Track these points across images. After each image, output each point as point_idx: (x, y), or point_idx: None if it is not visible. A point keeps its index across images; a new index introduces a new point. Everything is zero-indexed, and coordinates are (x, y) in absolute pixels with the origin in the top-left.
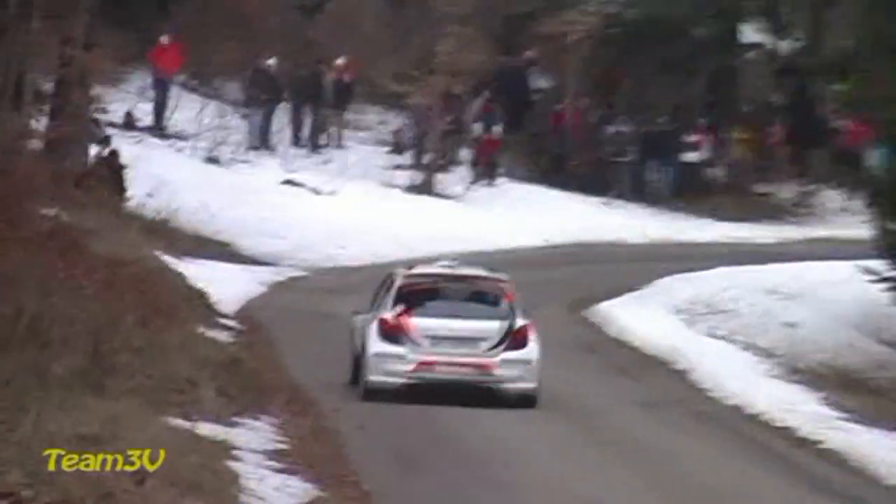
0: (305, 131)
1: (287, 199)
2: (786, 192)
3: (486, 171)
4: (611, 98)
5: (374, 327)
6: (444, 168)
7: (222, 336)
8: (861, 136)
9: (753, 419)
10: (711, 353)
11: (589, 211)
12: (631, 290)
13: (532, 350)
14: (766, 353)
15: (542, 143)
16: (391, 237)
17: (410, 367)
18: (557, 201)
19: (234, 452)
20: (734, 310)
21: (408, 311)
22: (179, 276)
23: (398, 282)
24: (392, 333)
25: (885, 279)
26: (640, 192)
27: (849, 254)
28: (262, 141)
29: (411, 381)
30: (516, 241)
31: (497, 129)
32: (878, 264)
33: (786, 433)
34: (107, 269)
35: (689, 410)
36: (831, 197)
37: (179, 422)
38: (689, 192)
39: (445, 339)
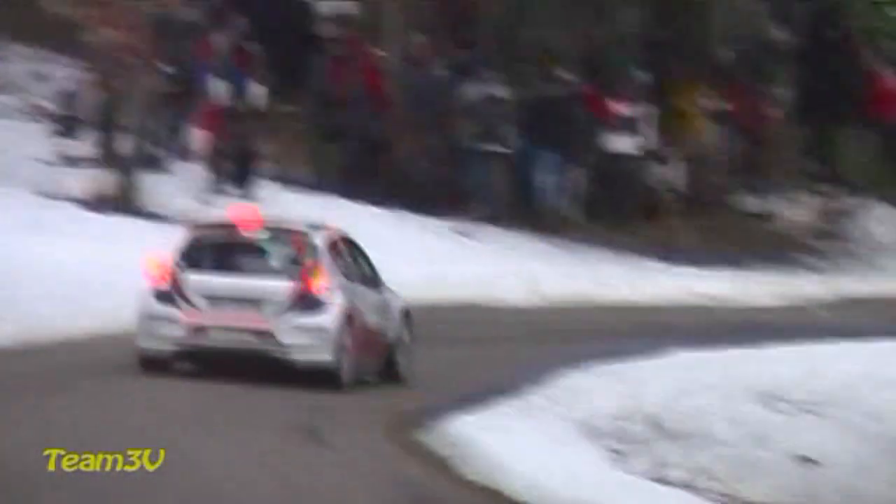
0: None
1: None
2: (799, 210)
3: (235, 168)
4: (469, 33)
5: (146, 285)
6: (157, 164)
7: None
8: None
9: None
10: None
11: (429, 245)
12: (508, 393)
13: (331, 314)
14: None
15: (338, 117)
16: (62, 296)
17: (182, 331)
18: (370, 227)
19: None
20: (703, 432)
21: (187, 266)
22: None
23: (188, 233)
24: (164, 291)
25: None
26: (524, 211)
27: None
28: None
29: (184, 349)
30: None
31: (256, 93)
32: None
33: None
34: None
35: None
36: (882, 218)
37: None
38: (614, 211)
39: (225, 299)
